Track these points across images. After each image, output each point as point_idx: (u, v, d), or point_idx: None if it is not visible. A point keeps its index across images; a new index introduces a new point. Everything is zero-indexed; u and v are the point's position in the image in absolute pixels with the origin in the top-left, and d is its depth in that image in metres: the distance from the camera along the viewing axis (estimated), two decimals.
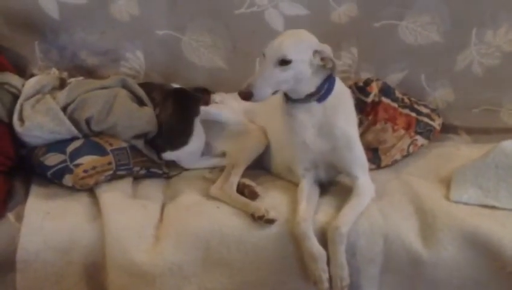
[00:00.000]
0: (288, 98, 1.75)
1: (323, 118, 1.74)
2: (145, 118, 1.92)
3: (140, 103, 1.98)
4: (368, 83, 2.09)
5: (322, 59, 1.68)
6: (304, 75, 1.67)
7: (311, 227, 1.64)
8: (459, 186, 1.81)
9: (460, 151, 2.12)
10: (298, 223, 1.64)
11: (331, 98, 1.73)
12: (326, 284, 1.61)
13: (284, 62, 1.62)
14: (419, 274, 1.68)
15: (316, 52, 1.67)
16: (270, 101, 2.02)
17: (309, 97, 1.71)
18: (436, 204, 1.76)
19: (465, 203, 1.78)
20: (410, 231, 1.70)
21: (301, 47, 1.66)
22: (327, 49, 1.70)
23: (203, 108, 1.97)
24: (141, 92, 2.00)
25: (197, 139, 1.94)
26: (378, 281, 1.69)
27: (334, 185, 1.87)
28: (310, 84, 1.70)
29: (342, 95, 1.80)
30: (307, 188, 1.77)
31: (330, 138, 1.75)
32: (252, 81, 1.61)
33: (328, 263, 1.62)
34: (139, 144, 1.93)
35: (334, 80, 1.74)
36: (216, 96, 2.13)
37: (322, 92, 1.71)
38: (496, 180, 1.80)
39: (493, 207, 1.77)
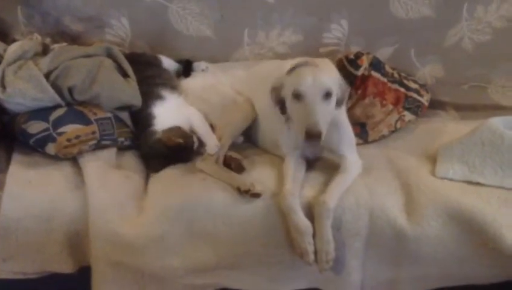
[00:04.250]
0: None
1: None
2: (128, 91, 1.89)
3: (125, 74, 1.94)
4: (358, 56, 2.08)
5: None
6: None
7: (297, 201, 1.64)
8: (445, 162, 1.81)
9: (447, 128, 2.12)
10: (285, 196, 1.64)
11: None
12: (312, 257, 1.62)
13: (328, 95, 1.65)
14: (403, 249, 1.69)
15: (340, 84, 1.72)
16: (257, 74, 2.00)
17: None
18: (421, 180, 1.77)
19: (451, 180, 1.78)
20: (395, 206, 1.71)
21: (335, 79, 1.71)
22: (343, 81, 1.75)
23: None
24: (126, 64, 1.95)
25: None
26: (362, 255, 1.70)
27: (320, 161, 1.86)
28: None
29: None
30: (293, 163, 1.76)
31: None
32: (315, 121, 1.61)
33: (314, 236, 1.62)
34: (124, 115, 1.90)
35: None
36: (201, 64, 2.10)
37: None
38: (482, 157, 1.80)
39: (478, 184, 1.78)
